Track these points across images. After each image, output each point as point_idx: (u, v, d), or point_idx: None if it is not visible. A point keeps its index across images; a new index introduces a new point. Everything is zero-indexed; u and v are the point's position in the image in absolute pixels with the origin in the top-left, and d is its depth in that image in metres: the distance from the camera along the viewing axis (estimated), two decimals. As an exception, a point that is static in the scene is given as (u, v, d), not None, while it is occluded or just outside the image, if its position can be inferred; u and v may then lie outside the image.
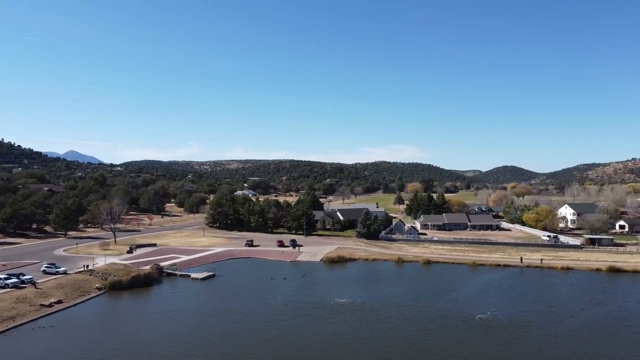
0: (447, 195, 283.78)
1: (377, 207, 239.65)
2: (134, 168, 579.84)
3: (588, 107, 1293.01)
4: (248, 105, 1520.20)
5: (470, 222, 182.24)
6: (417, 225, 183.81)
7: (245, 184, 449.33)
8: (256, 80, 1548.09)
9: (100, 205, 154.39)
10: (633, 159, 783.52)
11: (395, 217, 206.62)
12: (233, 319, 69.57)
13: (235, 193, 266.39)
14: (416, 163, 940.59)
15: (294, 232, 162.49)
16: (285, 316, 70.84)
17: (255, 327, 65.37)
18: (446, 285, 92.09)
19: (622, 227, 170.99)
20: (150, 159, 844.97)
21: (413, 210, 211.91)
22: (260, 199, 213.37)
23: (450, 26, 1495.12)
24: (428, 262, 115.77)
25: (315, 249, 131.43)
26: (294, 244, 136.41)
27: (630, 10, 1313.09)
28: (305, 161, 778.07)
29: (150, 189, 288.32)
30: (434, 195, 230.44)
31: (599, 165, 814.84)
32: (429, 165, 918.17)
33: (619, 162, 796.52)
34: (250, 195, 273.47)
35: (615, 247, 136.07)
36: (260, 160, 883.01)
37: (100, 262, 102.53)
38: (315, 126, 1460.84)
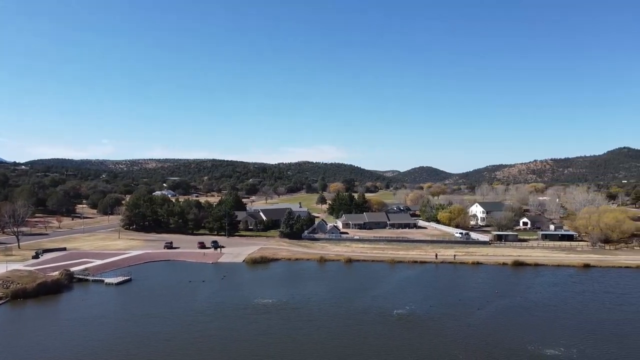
0: (368, 195, 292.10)
1: (300, 207, 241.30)
2: (40, 167, 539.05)
3: (496, 112, 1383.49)
4: (167, 103, 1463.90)
5: (389, 220, 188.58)
6: (339, 224, 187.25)
7: (164, 184, 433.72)
8: (176, 76, 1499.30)
9: (1, 208, 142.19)
10: (535, 160, 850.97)
11: (318, 217, 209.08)
12: (152, 323, 66.93)
13: (154, 193, 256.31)
14: (338, 163, 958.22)
15: (215, 233, 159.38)
16: (207, 318, 69.28)
17: (176, 331, 63.37)
18: (366, 283, 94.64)
19: (525, 223, 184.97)
20: (60, 158, 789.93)
21: (335, 210, 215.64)
22: (180, 200, 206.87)
23: (366, 27, 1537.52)
24: (350, 261, 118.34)
25: (237, 250, 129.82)
26: (215, 245, 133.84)
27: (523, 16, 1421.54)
28: (227, 161, 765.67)
29: (60, 189, 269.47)
30: (355, 195, 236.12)
31: (505, 166, 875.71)
32: (351, 165, 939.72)
33: (522, 163, 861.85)
34: (169, 195, 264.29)
35: (520, 243, 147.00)
36: (180, 160, 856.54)
37: (1, 269, 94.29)
38: (238, 125, 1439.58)
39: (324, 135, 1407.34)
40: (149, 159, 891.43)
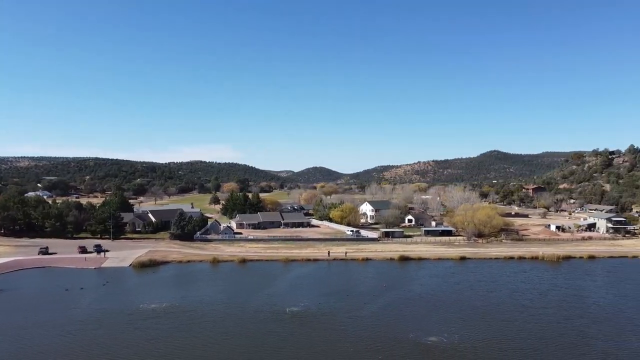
0: (262, 195, 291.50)
1: (192, 207, 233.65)
2: None
3: (383, 117, 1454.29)
4: (42, 99, 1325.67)
5: (283, 220, 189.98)
6: (233, 224, 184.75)
7: (39, 185, 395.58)
8: (56, 66, 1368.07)
9: None
10: (418, 162, 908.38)
11: (211, 218, 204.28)
12: (22, 335, 60.69)
13: (27, 195, 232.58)
14: (232, 163, 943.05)
15: (99, 236, 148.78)
16: (88, 327, 64.43)
17: (53, 342, 58.12)
18: (261, 282, 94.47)
19: (410, 220, 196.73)
20: None
21: (229, 210, 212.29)
22: (58, 201, 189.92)
23: (257, 26, 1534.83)
24: (244, 261, 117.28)
25: (124, 254, 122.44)
26: (99, 249, 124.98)
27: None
28: (112, 159, 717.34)
29: None
30: (250, 195, 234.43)
31: (393, 167, 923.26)
32: (245, 165, 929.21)
33: (408, 164, 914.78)
34: (45, 196, 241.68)
35: (405, 239, 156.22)
36: (58, 158, 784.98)
37: None
38: (124, 122, 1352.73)
39: (217, 134, 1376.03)
40: (21, 157, 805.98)
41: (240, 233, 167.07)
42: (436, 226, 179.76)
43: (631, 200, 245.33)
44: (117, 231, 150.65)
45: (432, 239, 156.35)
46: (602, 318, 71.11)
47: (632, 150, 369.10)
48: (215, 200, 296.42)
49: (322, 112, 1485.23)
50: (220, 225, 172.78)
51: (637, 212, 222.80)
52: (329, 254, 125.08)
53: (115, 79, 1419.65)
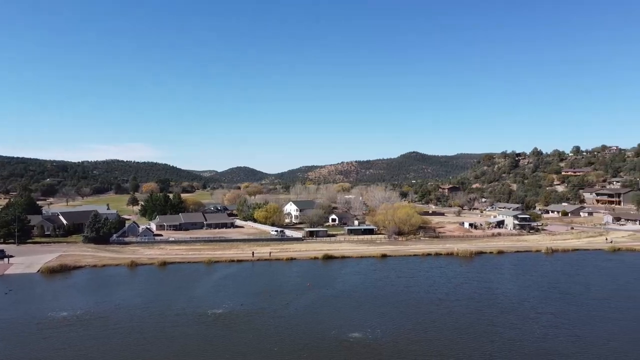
0: (184, 195, 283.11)
1: (109, 209, 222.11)
2: None
3: (309, 118, 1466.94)
4: None
5: (206, 221, 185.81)
6: (153, 226, 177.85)
7: None
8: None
9: None
10: (342, 162, 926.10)
11: (128, 219, 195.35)
12: None
13: None
14: (152, 162, 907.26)
15: (2, 241, 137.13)
16: (-12, 341, 59.33)
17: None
18: (182, 285, 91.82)
19: (334, 220, 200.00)
20: None
21: (148, 211, 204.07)
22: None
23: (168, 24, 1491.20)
24: (164, 264, 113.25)
25: (31, 259, 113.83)
26: (1, 255, 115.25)
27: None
28: (17, 158, 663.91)
29: None
30: (171, 195, 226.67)
31: (317, 167, 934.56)
32: (166, 165, 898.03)
33: (331, 164, 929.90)
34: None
35: (329, 238, 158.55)
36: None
37: None
38: (30, 118, 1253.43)
39: (135, 132, 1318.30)
40: None
41: (161, 235, 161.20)
42: (359, 225, 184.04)
43: (535, 199, 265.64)
44: (23, 235, 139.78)
45: (355, 237, 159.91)
46: (508, 308, 76.47)
47: (536, 152, 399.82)
48: (134, 201, 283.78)
49: (246, 112, 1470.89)
50: (139, 227, 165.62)
51: (540, 209, 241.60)
52: (253, 254, 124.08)
53: (16, 69, 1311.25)
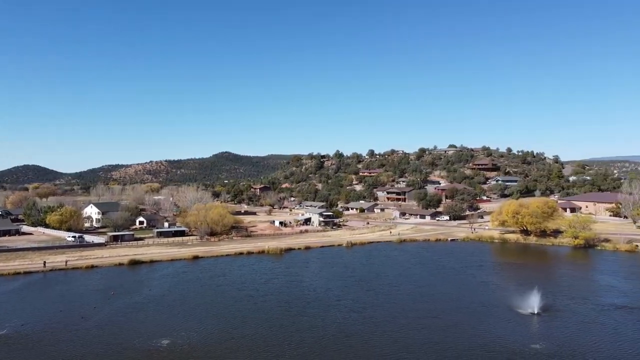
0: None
1: None
2: None
3: (110, 112, 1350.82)
4: None
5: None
6: None
7: None
8: None
9: None
10: (151, 161, 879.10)
11: None
12: None
13: None
14: None
15: None
16: None
17: None
18: (-51, 306, 76.72)
19: (141, 222, 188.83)
20: None
21: None
22: None
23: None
24: None
25: None
26: None
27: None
28: None
29: None
30: None
31: (122, 166, 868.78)
32: None
33: (139, 164, 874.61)
34: None
35: (136, 242, 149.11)
36: None
37: None
38: None
39: None
40: None
41: None
42: (169, 227, 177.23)
43: (337, 197, 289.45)
44: None
45: (165, 240, 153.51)
46: (314, 298, 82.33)
47: (338, 155, 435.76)
48: None
49: (36, 102, 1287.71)
50: None
51: (341, 207, 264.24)
52: (44, 264, 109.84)
53: None
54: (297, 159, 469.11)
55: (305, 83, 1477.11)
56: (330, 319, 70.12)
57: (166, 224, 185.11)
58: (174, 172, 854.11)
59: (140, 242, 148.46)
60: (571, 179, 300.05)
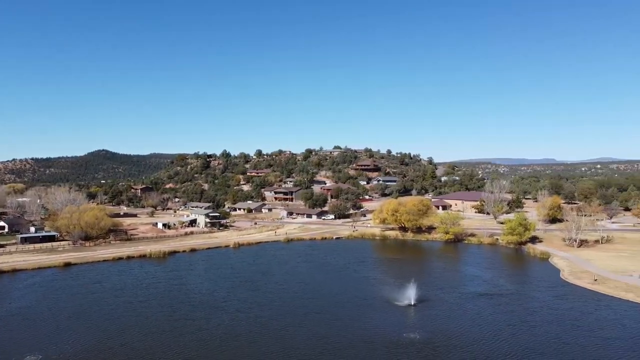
0: None
1: None
2: None
3: None
4: None
5: None
6: None
7: None
8: None
9: None
10: (14, 160, 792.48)
11: None
12: None
13: None
14: None
15: None
16: None
17: None
18: None
19: (2, 227, 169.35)
20: None
21: None
22: None
23: None
24: None
25: None
26: None
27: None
28: None
29: None
30: None
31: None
32: None
33: (1, 162, 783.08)
34: None
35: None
36: None
37: None
38: None
39: None
40: None
41: None
42: (36, 232, 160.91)
43: (224, 198, 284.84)
44: None
45: (30, 246, 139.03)
46: (200, 301, 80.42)
47: (225, 154, 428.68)
48: None
49: None
50: None
51: (229, 207, 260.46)
52: None
53: None
54: (182, 158, 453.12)
55: (186, 79, 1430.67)
56: (216, 321, 69.08)
57: (32, 229, 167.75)
58: (41, 172, 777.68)
59: (0, 250, 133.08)
60: (443, 179, 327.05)
